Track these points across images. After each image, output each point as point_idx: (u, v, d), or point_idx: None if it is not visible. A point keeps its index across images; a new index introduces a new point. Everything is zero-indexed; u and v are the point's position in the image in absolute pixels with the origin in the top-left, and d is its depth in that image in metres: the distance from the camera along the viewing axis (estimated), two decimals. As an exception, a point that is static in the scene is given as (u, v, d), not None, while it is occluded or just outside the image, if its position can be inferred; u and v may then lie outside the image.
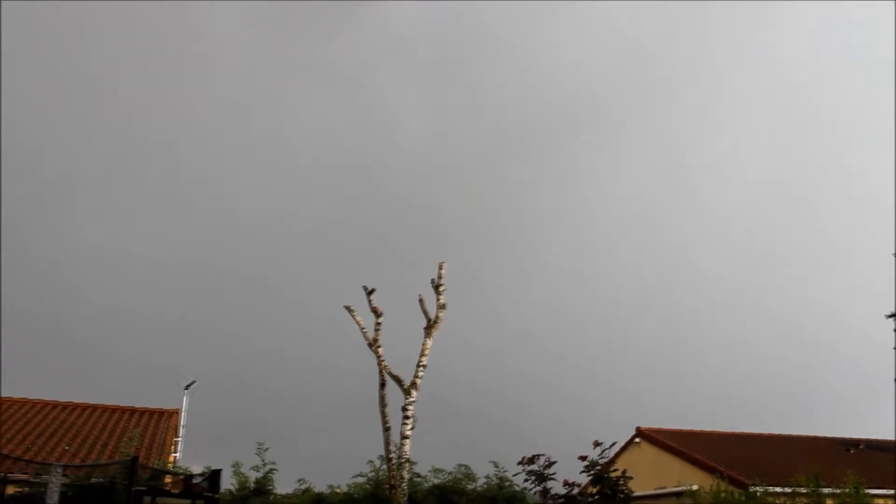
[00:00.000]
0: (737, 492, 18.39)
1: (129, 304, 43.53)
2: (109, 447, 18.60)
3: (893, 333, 14.02)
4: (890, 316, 14.06)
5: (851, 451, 24.81)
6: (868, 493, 17.46)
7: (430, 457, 16.41)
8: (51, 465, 12.41)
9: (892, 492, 18.26)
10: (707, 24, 51.67)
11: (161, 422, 21.53)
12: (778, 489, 18.63)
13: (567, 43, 51.61)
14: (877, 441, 26.04)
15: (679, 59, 52.60)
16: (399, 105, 51.54)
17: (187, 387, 23.00)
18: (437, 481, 16.17)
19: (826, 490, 17.56)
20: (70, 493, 12.76)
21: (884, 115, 48.12)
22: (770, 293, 46.90)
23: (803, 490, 17.64)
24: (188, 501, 12.66)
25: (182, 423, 22.19)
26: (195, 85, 51.26)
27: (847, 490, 17.35)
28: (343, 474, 16.73)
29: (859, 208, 47.78)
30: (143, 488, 12.00)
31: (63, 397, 22.09)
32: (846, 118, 50.02)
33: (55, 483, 11.62)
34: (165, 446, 19.98)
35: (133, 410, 22.16)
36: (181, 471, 16.07)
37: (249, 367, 41.74)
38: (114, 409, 21.96)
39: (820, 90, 51.42)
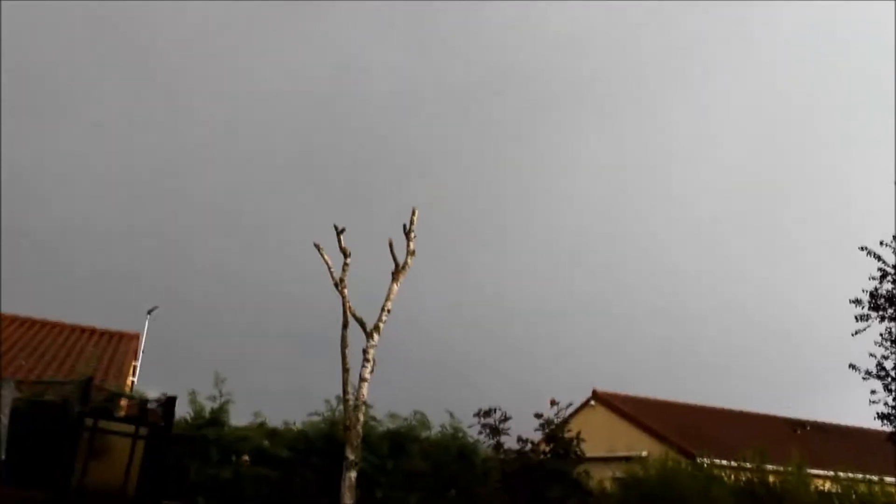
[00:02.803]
0: (683, 461, 18.76)
1: (94, 219, 42.96)
2: (66, 366, 18.45)
3: (855, 320, 14.22)
4: (852, 301, 14.26)
5: (798, 432, 25.41)
6: (809, 473, 17.87)
7: (387, 402, 16.51)
8: (4, 378, 12.32)
9: (831, 473, 18.70)
10: (690, 17, 51.32)
11: (121, 344, 21.37)
12: (724, 462, 19.03)
13: (557, 13, 50.88)
14: (823, 423, 26.67)
15: (662, 48, 52.31)
16: (371, 45, 50.78)
17: (150, 311, 22.90)
18: (392, 426, 16.28)
19: (770, 467, 17.96)
20: (22, 409, 12.64)
21: (859, 115, 48.54)
22: (732, 278, 47.48)
23: (748, 465, 18.02)
24: (132, 427, 12.47)
25: (141, 348, 22.10)
26: (171, 14, 49.93)
27: (790, 468, 17.75)
28: (299, 411, 16.80)
29: (829, 205, 48.24)
30: (86, 410, 11.83)
31: (23, 311, 21.82)
32: (822, 116, 50.32)
33: (7, 397, 11.53)
34: (123, 370, 19.87)
35: (93, 331, 21.93)
36: (136, 395, 16.00)
37: (212, 293, 41.60)
38: (73, 328, 21.72)
39: (799, 88, 51.59)
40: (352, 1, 49.30)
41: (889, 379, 14.02)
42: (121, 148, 47.28)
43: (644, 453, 20.40)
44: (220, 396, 15.57)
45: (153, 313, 22.93)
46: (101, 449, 11.85)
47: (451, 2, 48.67)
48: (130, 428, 12.25)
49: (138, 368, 21.96)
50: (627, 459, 20.25)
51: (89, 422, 11.59)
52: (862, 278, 14.36)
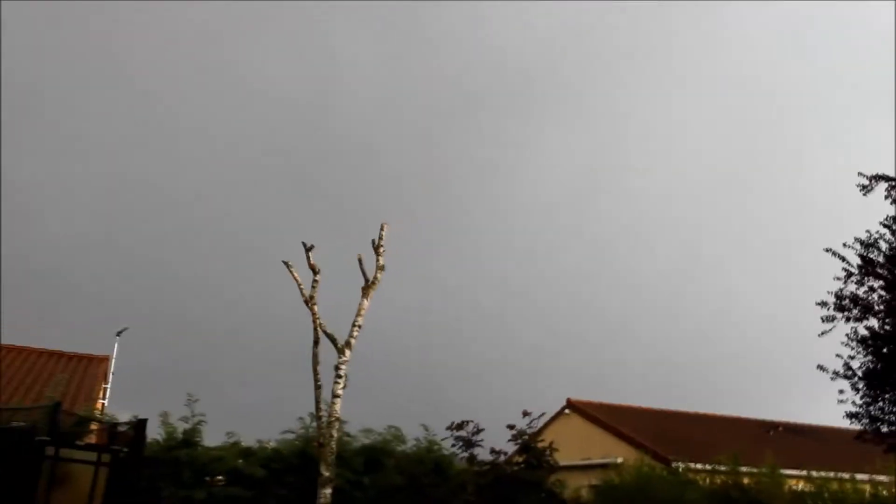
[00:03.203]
0: (659, 467, 18.87)
1: (66, 234, 42.37)
2: (34, 391, 18.20)
3: (821, 321, 14.37)
4: (818, 303, 14.42)
5: (771, 433, 25.65)
6: (782, 474, 18.06)
7: (362, 417, 16.47)
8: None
9: (804, 473, 18.91)
10: (663, 9, 51.91)
11: (90, 368, 21.11)
12: (699, 466, 19.18)
13: (520, 12, 51.14)
14: (795, 424, 26.95)
15: (630, 39, 52.81)
16: (348, 54, 50.70)
17: (118, 333, 22.64)
18: (366, 441, 16.25)
19: (744, 469, 18.13)
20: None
21: (828, 115, 49.39)
22: (697, 276, 47.92)
23: (723, 468, 18.18)
24: (93, 454, 12.26)
25: (111, 371, 21.85)
26: (149, 18, 49.44)
27: (763, 470, 17.94)
28: (272, 427, 16.71)
29: (793, 206, 48.87)
30: (47, 438, 11.64)
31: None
32: (791, 115, 51.07)
33: (-27, 424, 11.33)
34: (93, 393, 19.63)
35: (62, 355, 21.64)
36: (107, 419, 15.83)
37: (183, 312, 41.20)
38: (41, 353, 21.43)
39: (770, 87, 52.31)
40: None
41: (856, 378, 14.16)
42: (85, 163, 46.62)
43: (619, 460, 20.49)
44: (193, 417, 15.49)
45: (122, 335, 22.69)
46: (63, 477, 11.65)
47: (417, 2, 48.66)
48: (93, 455, 12.04)
49: (108, 391, 21.70)
50: (603, 466, 20.34)
51: (50, 450, 11.38)
52: (827, 280, 14.55)
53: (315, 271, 14.94)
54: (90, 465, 11.61)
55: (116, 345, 22.51)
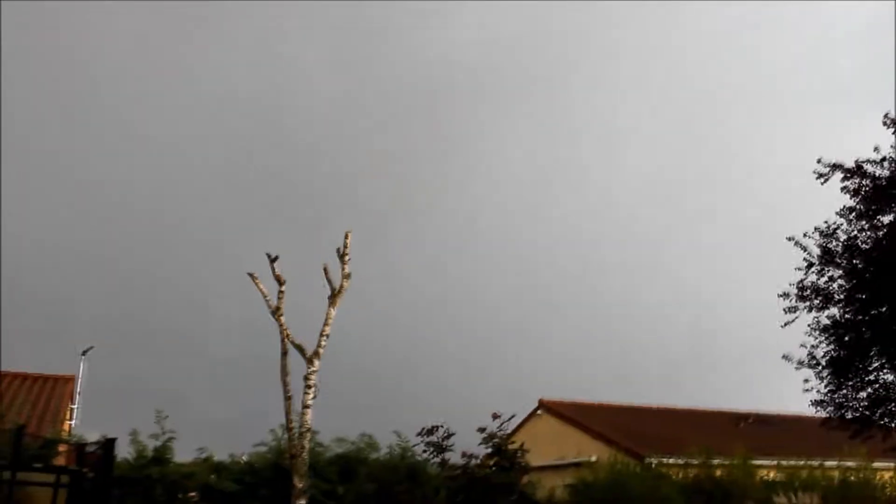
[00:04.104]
0: (632, 463, 19.04)
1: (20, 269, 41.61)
2: (-2, 415, 17.88)
3: (783, 312, 14.62)
4: (780, 295, 14.65)
5: (741, 425, 25.93)
6: (753, 464, 18.30)
7: (334, 425, 16.41)
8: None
9: (775, 462, 19.18)
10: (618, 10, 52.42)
11: (56, 388, 20.82)
12: (672, 460, 19.38)
13: (475, 16, 51.31)
14: (764, 414, 27.30)
15: (582, 39, 53.23)
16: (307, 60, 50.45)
17: (84, 352, 22.35)
18: (339, 451, 16.18)
19: (716, 461, 18.34)
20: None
21: (774, 120, 50.16)
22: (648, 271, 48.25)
23: (695, 462, 18.38)
24: (51, 476, 12.08)
25: (78, 390, 21.57)
26: (99, 22, 48.67)
27: (735, 461, 18.16)
28: (244, 441, 16.59)
29: (740, 206, 49.39)
30: (3, 462, 11.45)
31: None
32: (738, 118, 51.78)
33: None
34: (60, 414, 19.37)
35: (26, 376, 21.30)
36: (74, 439, 15.61)
37: (148, 326, 40.60)
38: (4, 375, 21.07)
39: (718, 88, 53.09)
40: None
41: (820, 367, 14.41)
42: (42, 169, 45.70)
43: (593, 458, 20.61)
44: (163, 434, 15.30)
45: (88, 353, 22.40)
46: (22, 501, 11.50)
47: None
48: (51, 477, 11.87)
49: (76, 411, 21.41)
50: (577, 465, 20.45)
51: (7, 474, 11.21)
52: (787, 271, 14.76)
53: (280, 282, 14.86)
54: (49, 487, 11.45)
55: (82, 364, 22.23)
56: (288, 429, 14.28)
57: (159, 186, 46.30)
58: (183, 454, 15.62)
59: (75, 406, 21.38)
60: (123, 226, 45.05)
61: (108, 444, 13.12)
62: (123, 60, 47.60)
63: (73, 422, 21.03)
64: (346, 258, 14.93)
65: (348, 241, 15.02)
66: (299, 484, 13.62)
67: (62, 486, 11.62)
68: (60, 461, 14.94)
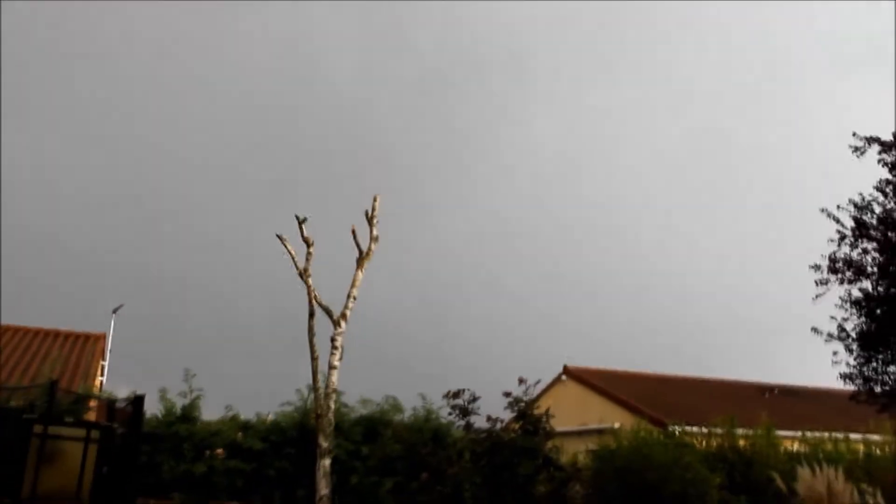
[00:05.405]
0: (655, 430, 19.01)
1: (54, 229, 42.23)
2: (32, 370, 18.24)
3: (815, 284, 14.47)
4: (812, 267, 14.49)
5: (766, 395, 25.85)
6: (777, 435, 18.22)
7: (360, 388, 16.53)
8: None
9: (799, 433, 19.09)
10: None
11: (87, 346, 21.15)
12: (695, 429, 19.33)
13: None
14: (790, 386, 27.15)
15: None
16: (326, 36, 50.37)
17: (115, 310, 22.67)
18: (364, 412, 16.32)
19: (740, 431, 18.27)
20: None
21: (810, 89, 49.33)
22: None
23: (719, 431, 18.32)
24: (82, 431, 12.30)
25: (108, 348, 21.89)
26: (110, 12, 48.99)
27: (759, 432, 18.08)
28: (270, 400, 16.76)
29: (782, 171, 48.89)
30: (34, 416, 11.68)
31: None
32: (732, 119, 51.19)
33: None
34: (91, 371, 19.69)
35: (58, 333, 21.67)
36: (105, 396, 15.88)
37: (178, 288, 41.17)
38: (37, 332, 21.45)
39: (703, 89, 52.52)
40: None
41: (850, 340, 14.28)
42: (75, 149, 46.37)
43: (616, 425, 20.63)
44: (191, 392, 15.54)
45: (119, 312, 22.70)
46: (53, 454, 11.73)
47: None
48: (82, 432, 12.11)
49: (106, 368, 21.76)
50: (600, 432, 20.47)
51: (39, 428, 11.45)
52: (819, 243, 14.58)
53: (308, 244, 14.93)
54: (80, 441, 11.68)
55: (113, 322, 22.54)
56: (314, 389, 14.41)
57: (194, 152, 46.72)
58: (210, 412, 15.87)
59: (105, 363, 21.71)
60: (157, 186, 45.54)
61: (138, 401, 13.38)
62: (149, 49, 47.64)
63: (103, 378, 21.38)
64: (375, 221, 14.95)
65: (376, 204, 15.04)
66: (324, 443, 13.76)
67: (93, 441, 11.84)
68: (91, 417, 15.23)
